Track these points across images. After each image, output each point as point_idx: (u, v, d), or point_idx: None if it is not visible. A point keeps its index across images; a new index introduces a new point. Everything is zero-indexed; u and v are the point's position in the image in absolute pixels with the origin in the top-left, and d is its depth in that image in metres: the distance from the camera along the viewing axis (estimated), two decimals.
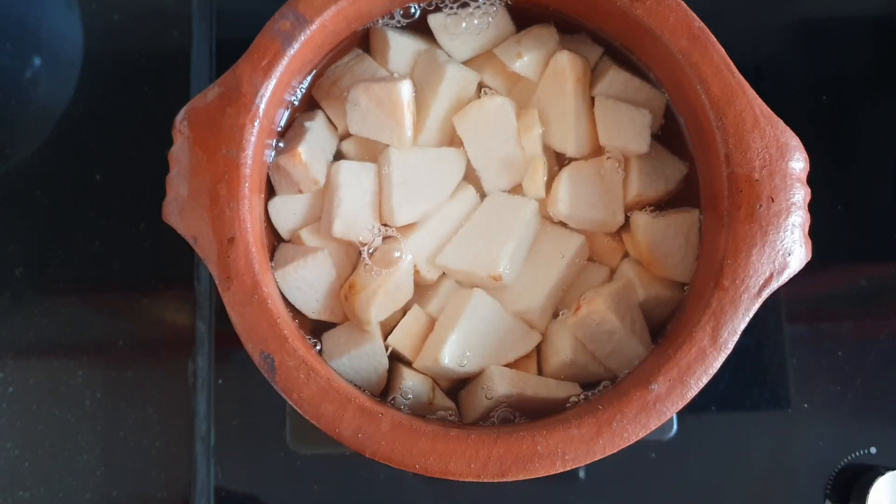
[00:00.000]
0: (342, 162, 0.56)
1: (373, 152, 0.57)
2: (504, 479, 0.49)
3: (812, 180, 0.52)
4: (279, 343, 0.50)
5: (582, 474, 0.65)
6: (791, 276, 0.51)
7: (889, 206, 0.70)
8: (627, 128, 0.56)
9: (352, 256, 0.56)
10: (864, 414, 0.66)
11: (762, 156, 0.51)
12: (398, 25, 0.59)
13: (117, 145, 0.69)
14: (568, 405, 0.54)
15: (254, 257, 0.51)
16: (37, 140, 0.69)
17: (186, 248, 0.53)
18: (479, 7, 0.58)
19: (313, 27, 0.54)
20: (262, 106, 0.53)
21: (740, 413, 0.66)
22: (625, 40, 0.58)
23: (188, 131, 0.52)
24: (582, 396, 0.54)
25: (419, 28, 0.59)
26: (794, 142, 0.52)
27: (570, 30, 0.59)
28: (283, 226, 0.56)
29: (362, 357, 0.54)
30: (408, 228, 0.56)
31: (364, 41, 0.59)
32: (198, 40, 0.69)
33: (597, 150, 0.57)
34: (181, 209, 0.52)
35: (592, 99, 0.57)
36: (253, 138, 0.52)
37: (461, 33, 0.58)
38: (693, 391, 0.49)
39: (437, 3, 0.58)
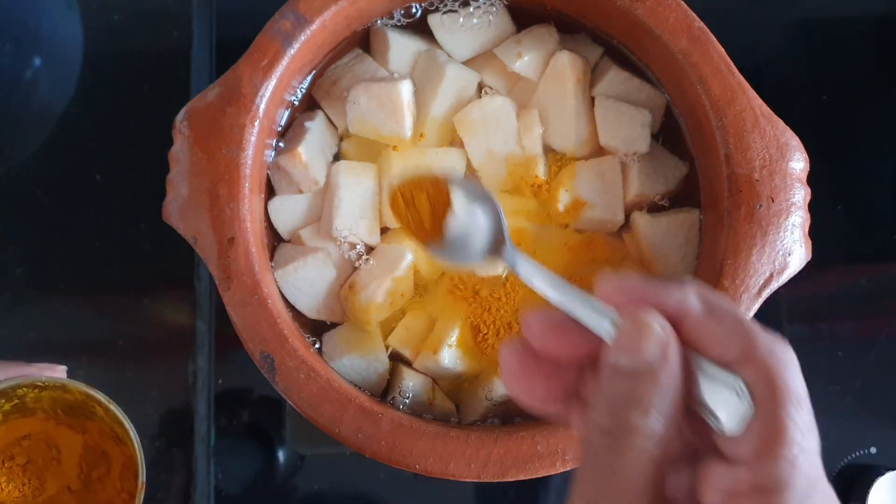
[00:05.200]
0: (342, 162, 0.56)
1: (373, 152, 0.57)
2: (504, 480, 0.49)
3: (812, 180, 0.52)
4: (279, 343, 0.50)
5: None
6: (791, 276, 0.51)
7: (889, 206, 0.70)
8: (627, 128, 0.56)
9: (352, 256, 0.56)
10: (864, 414, 0.66)
11: (762, 156, 0.51)
12: (399, 25, 0.59)
13: (117, 145, 0.69)
14: None
15: (254, 257, 0.51)
16: (37, 140, 0.69)
17: (186, 248, 0.53)
18: (479, 7, 0.58)
19: (313, 27, 0.54)
20: (262, 106, 0.53)
21: None
22: (625, 40, 0.58)
23: (188, 131, 0.52)
24: None
25: (419, 28, 0.59)
26: (794, 142, 0.52)
27: (570, 30, 0.59)
28: (283, 226, 0.56)
29: (362, 357, 0.54)
30: None
31: (364, 41, 0.59)
32: (198, 40, 0.69)
33: (597, 150, 0.57)
34: (181, 209, 0.52)
35: (592, 99, 0.57)
36: (253, 138, 0.52)
37: (461, 32, 0.58)
38: None
39: (437, 3, 0.58)
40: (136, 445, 0.48)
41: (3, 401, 0.49)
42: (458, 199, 0.41)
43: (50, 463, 0.52)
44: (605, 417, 0.30)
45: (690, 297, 0.31)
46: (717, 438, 0.30)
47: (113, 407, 0.48)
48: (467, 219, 0.40)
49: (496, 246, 0.40)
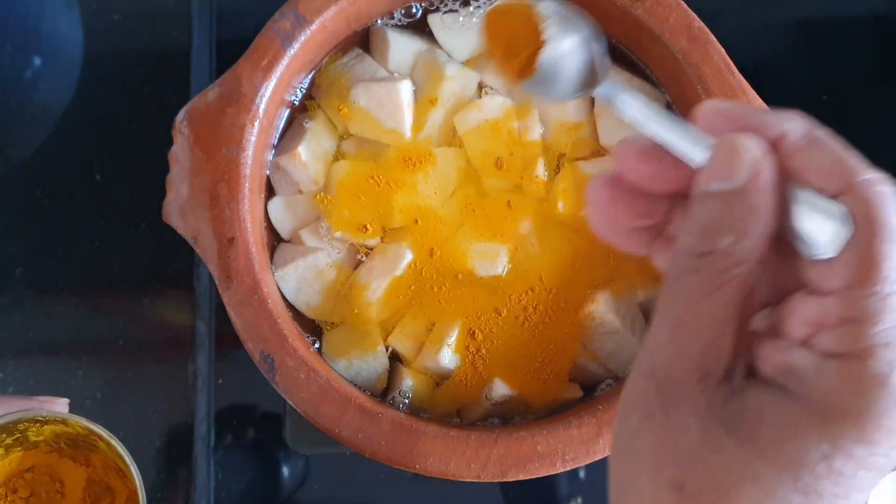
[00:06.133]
0: (342, 162, 0.56)
1: (373, 152, 0.57)
2: (504, 480, 0.49)
3: None
4: (279, 343, 0.50)
5: (582, 474, 0.65)
6: None
7: None
8: (627, 128, 0.56)
9: (352, 256, 0.56)
10: None
11: None
12: (399, 24, 0.59)
13: (117, 145, 0.69)
14: (568, 405, 0.54)
15: (254, 257, 0.51)
16: (37, 140, 0.69)
17: (186, 248, 0.53)
18: (479, 7, 0.58)
19: (313, 27, 0.54)
20: (262, 106, 0.53)
21: None
22: (625, 40, 0.58)
23: (188, 131, 0.52)
24: (582, 396, 0.54)
25: (419, 28, 0.59)
26: None
27: None
28: (283, 226, 0.56)
29: (362, 357, 0.54)
30: (408, 228, 0.56)
31: (364, 41, 0.59)
32: (198, 40, 0.69)
33: (597, 150, 0.57)
34: (181, 209, 0.52)
35: (592, 99, 0.57)
36: (253, 138, 0.52)
37: (461, 32, 0.58)
38: None
39: (437, 3, 0.58)
40: (137, 481, 0.48)
41: (5, 435, 0.49)
42: (552, 31, 0.38)
43: (53, 496, 0.52)
44: (695, 239, 0.29)
45: (793, 124, 0.30)
46: (806, 270, 0.30)
47: (114, 442, 0.48)
48: (560, 51, 0.38)
49: (591, 79, 0.38)
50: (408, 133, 0.56)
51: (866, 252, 0.27)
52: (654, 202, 0.33)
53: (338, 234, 0.55)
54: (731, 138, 0.30)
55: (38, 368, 0.67)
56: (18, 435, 0.50)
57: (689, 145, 0.31)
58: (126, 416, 0.66)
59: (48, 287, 0.68)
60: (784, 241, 0.30)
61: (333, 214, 0.55)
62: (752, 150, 0.29)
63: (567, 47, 0.38)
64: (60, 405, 0.50)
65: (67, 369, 0.66)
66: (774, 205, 0.29)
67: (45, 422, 0.49)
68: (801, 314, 0.30)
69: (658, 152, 0.32)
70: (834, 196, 0.29)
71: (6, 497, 0.52)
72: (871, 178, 0.29)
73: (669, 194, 0.33)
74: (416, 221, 0.56)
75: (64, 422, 0.48)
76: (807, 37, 0.72)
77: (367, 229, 0.55)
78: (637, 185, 0.33)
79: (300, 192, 0.56)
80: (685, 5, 0.54)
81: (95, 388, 0.66)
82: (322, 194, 0.55)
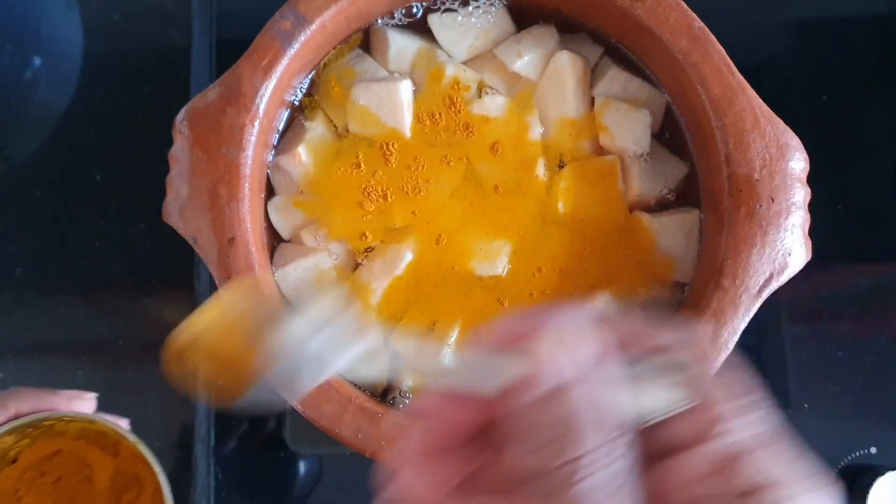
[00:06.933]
0: (337, 163, 0.56)
1: (372, 153, 0.57)
2: None
3: (812, 180, 0.52)
4: None
5: None
6: (791, 276, 0.51)
7: (889, 206, 0.70)
8: (627, 128, 0.56)
9: (351, 258, 0.56)
10: (864, 414, 0.66)
11: (762, 156, 0.51)
12: (399, 24, 0.59)
13: (117, 145, 0.69)
14: None
15: (254, 257, 0.51)
16: (37, 140, 0.69)
17: (186, 248, 0.53)
18: (478, 7, 0.58)
19: (313, 27, 0.54)
20: (262, 106, 0.53)
21: None
22: (625, 40, 0.58)
23: (188, 131, 0.52)
24: None
25: (419, 28, 0.59)
26: (794, 142, 0.52)
27: (570, 30, 0.59)
28: (283, 226, 0.56)
29: (362, 357, 0.54)
30: (408, 228, 0.56)
31: (364, 41, 0.59)
32: (198, 40, 0.69)
33: (597, 150, 0.57)
34: (181, 209, 0.52)
35: (592, 99, 0.57)
36: (253, 138, 0.52)
37: (460, 31, 0.58)
38: None
39: (437, 2, 0.58)
40: (163, 484, 0.47)
41: (31, 429, 0.49)
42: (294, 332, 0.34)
43: (82, 482, 0.51)
44: (545, 451, 0.26)
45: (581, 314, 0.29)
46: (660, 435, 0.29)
47: (142, 447, 0.47)
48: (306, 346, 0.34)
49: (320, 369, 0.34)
50: (408, 133, 0.56)
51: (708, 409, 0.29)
52: (458, 449, 0.30)
53: (338, 235, 0.55)
54: (540, 343, 0.28)
55: (38, 368, 0.67)
56: (44, 429, 0.49)
57: (478, 374, 0.29)
58: (126, 416, 0.66)
59: (48, 287, 0.68)
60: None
61: (329, 222, 0.55)
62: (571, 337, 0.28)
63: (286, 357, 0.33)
64: (88, 400, 0.49)
65: (67, 369, 0.66)
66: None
67: (70, 421, 0.48)
68: (675, 480, 0.29)
69: (454, 392, 0.30)
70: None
71: (34, 480, 0.51)
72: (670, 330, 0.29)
73: (470, 433, 0.30)
74: (414, 213, 0.56)
75: (91, 422, 0.48)
76: (807, 37, 0.72)
77: (365, 237, 0.55)
78: (450, 431, 0.30)
79: (300, 192, 0.56)
80: (685, 5, 0.54)
81: (95, 388, 0.66)
82: (312, 200, 0.55)
